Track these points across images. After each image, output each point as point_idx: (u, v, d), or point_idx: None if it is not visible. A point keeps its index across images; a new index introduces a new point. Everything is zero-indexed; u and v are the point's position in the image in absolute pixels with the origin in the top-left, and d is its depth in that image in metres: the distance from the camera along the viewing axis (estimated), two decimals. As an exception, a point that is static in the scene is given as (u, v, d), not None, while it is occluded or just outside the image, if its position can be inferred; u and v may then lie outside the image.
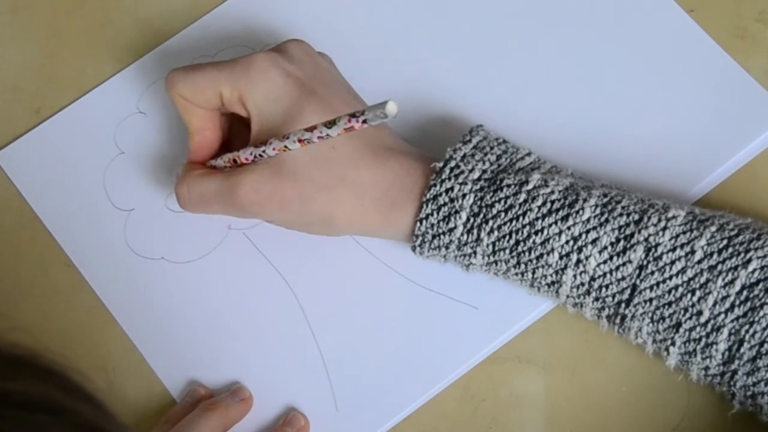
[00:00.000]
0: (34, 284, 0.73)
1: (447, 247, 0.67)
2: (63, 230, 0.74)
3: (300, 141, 0.63)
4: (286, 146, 0.64)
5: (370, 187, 0.67)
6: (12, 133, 0.77)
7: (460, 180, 0.66)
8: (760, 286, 0.62)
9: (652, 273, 0.63)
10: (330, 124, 0.61)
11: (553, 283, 0.65)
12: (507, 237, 0.65)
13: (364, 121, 0.59)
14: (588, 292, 0.65)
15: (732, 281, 0.62)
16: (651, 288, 0.63)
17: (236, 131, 0.71)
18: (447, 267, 0.69)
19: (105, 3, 0.79)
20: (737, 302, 0.62)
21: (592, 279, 0.64)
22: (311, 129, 0.62)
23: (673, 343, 0.64)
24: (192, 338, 0.71)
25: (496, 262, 0.66)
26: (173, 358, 0.71)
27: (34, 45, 0.79)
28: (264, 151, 0.66)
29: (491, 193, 0.65)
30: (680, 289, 0.63)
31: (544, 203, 0.65)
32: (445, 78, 0.74)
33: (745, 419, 0.65)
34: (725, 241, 0.63)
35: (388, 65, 0.75)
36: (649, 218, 0.64)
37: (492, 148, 0.67)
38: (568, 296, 0.66)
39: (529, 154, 0.68)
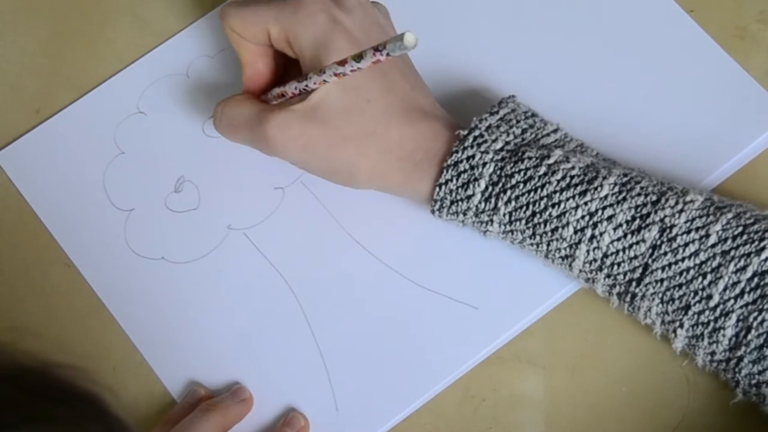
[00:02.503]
0: (34, 284, 0.73)
1: (465, 213, 0.67)
2: (63, 230, 0.74)
3: (336, 75, 0.64)
4: (324, 80, 0.65)
5: (397, 145, 0.67)
6: (12, 133, 0.77)
7: (483, 149, 0.66)
8: None
9: (665, 253, 0.64)
10: (358, 57, 0.61)
11: (566, 257, 0.66)
12: (524, 208, 0.65)
13: (388, 54, 0.59)
14: (600, 269, 0.65)
15: (744, 267, 0.62)
16: (663, 268, 0.64)
17: (292, 69, 0.71)
18: (447, 267, 0.70)
19: (105, 3, 0.79)
20: (747, 288, 0.62)
21: (605, 255, 0.65)
22: (343, 63, 0.63)
23: (681, 325, 0.64)
24: (192, 338, 0.71)
25: (512, 231, 0.67)
26: (173, 358, 0.71)
27: (34, 45, 0.79)
28: (307, 85, 0.66)
29: (512, 164, 0.66)
30: (692, 272, 0.63)
31: (563, 177, 0.65)
32: (447, 82, 0.74)
33: (745, 420, 0.65)
34: (740, 228, 0.63)
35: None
36: (667, 200, 0.64)
37: (518, 122, 0.68)
38: (580, 271, 0.66)
39: (555, 131, 0.68)
